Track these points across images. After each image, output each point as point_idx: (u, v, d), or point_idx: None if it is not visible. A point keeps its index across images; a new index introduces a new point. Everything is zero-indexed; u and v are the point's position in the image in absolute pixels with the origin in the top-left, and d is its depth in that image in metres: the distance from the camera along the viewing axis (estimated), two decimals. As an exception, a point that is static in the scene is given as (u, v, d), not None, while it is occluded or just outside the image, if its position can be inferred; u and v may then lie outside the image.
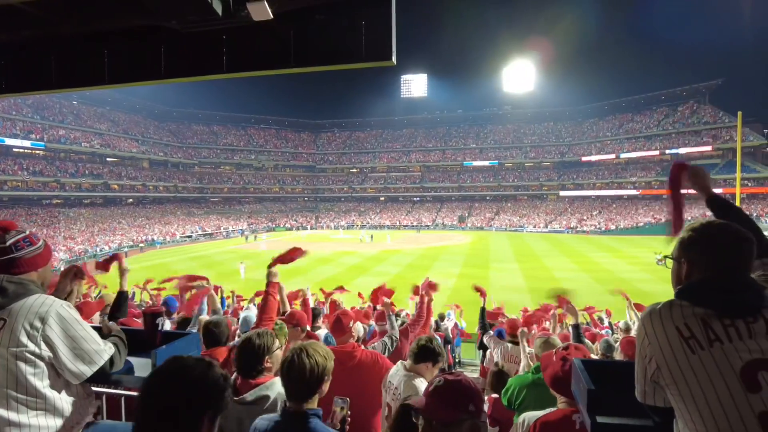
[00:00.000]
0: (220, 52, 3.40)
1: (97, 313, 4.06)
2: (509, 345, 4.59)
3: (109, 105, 67.52)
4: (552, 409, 2.04)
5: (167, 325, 3.40)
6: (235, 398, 2.05)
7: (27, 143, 50.11)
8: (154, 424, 1.16)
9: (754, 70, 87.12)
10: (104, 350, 1.69)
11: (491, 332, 5.20)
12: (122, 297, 3.13)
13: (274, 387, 2.09)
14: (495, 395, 3.44)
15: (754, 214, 47.45)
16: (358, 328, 4.27)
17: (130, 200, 61.16)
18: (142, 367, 1.99)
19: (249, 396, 2.06)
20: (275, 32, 3.21)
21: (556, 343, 2.94)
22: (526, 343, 4.01)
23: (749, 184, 51.97)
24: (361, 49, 3.13)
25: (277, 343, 2.26)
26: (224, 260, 33.62)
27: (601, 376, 1.56)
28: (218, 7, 2.72)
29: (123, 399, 2.59)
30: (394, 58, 3.14)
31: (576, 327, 3.78)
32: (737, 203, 37.61)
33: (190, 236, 52.80)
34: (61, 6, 3.21)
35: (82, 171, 54.79)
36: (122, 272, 3.09)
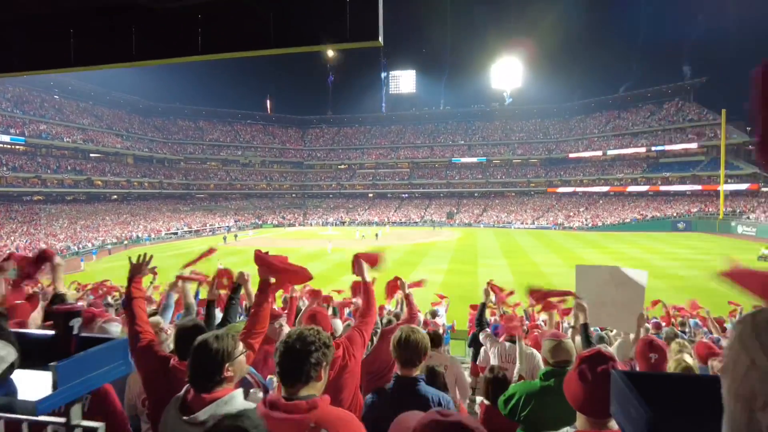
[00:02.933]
0: (195, 32, 3.17)
1: (35, 313, 3.55)
2: (507, 344, 4.29)
3: (92, 99, 66.20)
4: (572, 430, 1.72)
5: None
6: (185, 417, 1.69)
7: (6, 138, 48.84)
8: None
9: (738, 68, 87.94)
10: None
11: (488, 329, 4.85)
12: (56, 302, 2.55)
13: (234, 402, 1.73)
14: (487, 402, 3.16)
15: (738, 211, 48.16)
16: (336, 325, 4.10)
17: (114, 197, 60.13)
18: (40, 383, 1.48)
19: (202, 414, 1.67)
20: (254, 10, 3.01)
21: (569, 347, 2.63)
22: (522, 343, 3.75)
23: (732, 181, 52.67)
24: (346, 28, 2.93)
25: (240, 347, 1.90)
26: (210, 258, 33.06)
27: (654, 394, 1.13)
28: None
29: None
30: (380, 38, 2.95)
31: (585, 327, 3.14)
32: (721, 200, 37.87)
33: (175, 233, 52.05)
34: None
35: (64, 167, 53.67)
36: (54, 270, 2.70)
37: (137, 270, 2.74)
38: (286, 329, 3.38)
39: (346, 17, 2.88)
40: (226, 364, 1.80)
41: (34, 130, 51.95)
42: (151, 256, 2.88)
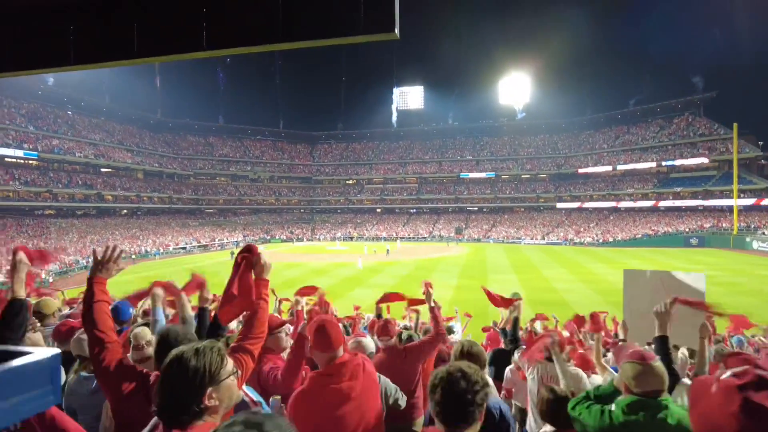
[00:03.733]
0: (199, 27, 3.00)
1: None
2: (548, 364, 3.69)
3: (104, 115, 67.09)
4: None
5: None
6: None
7: (20, 153, 49.49)
8: None
9: (749, 82, 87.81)
10: None
11: (523, 346, 4.12)
12: (12, 308, 2.09)
13: None
14: (551, 429, 2.67)
15: (752, 226, 47.34)
16: (367, 345, 3.52)
17: (124, 211, 60.50)
18: None
19: None
20: (260, 1, 2.83)
21: (661, 373, 2.04)
22: (562, 359, 3.36)
23: (745, 196, 51.88)
24: (360, 19, 2.73)
25: (229, 366, 1.44)
26: (218, 271, 32.99)
27: None
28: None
29: None
30: (396, 30, 2.75)
31: (663, 342, 2.65)
32: (734, 215, 37.08)
33: (184, 248, 52.09)
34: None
35: (75, 181, 54.16)
36: (14, 268, 2.22)
37: (100, 267, 2.15)
38: (289, 341, 3.13)
39: (360, 7, 2.69)
40: (208, 390, 1.33)
41: (46, 146, 52.60)
42: (121, 251, 2.30)
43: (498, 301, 4.40)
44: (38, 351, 1.11)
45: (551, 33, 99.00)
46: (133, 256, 44.20)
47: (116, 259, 2.22)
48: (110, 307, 2.12)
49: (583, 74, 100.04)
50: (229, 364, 1.44)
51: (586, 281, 26.86)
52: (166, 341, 2.01)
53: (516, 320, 4.33)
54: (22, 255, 2.28)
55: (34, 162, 52.04)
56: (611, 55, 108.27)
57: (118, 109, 68.05)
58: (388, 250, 45.19)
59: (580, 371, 3.50)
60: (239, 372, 1.51)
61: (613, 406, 2.10)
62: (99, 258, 2.16)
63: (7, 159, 49.05)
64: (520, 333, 4.68)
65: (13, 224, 44.07)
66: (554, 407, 2.62)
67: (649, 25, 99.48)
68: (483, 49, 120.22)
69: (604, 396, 2.30)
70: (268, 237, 65.64)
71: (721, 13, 79.47)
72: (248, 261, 2.16)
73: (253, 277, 2.14)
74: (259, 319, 2.04)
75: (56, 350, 1.15)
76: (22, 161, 50.80)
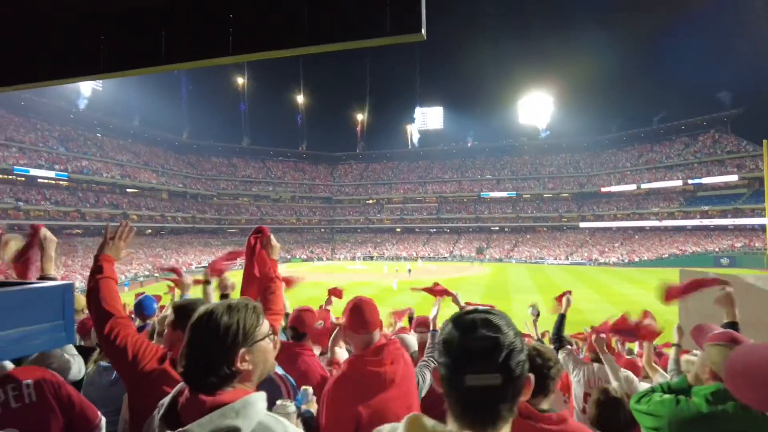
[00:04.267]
0: (226, 32, 3.02)
1: None
2: (595, 365, 3.46)
3: (131, 137, 69.18)
4: None
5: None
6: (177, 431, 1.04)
7: (51, 174, 51.35)
8: None
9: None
10: None
11: (569, 346, 3.82)
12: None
13: (251, 412, 1.08)
14: None
15: (786, 246, 45.68)
16: (411, 343, 3.26)
17: (149, 231, 61.66)
18: None
19: (197, 428, 1.03)
20: (285, 4, 2.83)
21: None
22: (612, 359, 3.16)
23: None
24: (386, 21, 2.71)
25: (265, 326, 1.26)
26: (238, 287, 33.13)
27: None
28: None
29: None
30: (423, 31, 2.72)
31: (734, 326, 2.37)
32: (767, 234, 35.57)
33: (205, 266, 52.61)
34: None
35: (102, 201, 55.67)
36: (40, 246, 2.14)
37: (110, 243, 1.94)
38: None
39: (386, 8, 2.66)
40: (241, 350, 1.16)
41: (76, 167, 54.34)
42: (133, 229, 2.04)
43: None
44: (49, 282, 1.00)
45: (572, 51, 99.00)
46: (156, 275, 44.81)
47: (127, 237, 2.00)
48: (135, 302, 2.05)
49: (605, 93, 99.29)
50: (265, 324, 1.27)
51: (613, 302, 26.16)
52: (184, 310, 1.81)
53: (562, 317, 3.94)
54: (45, 231, 2.17)
55: (65, 182, 53.70)
56: (634, 73, 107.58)
57: (144, 131, 70.18)
58: (410, 270, 44.86)
59: (630, 374, 3.25)
60: (275, 337, 1.32)
61: (693, 397, 1.80)
62: (109, 235, 1.95)
63: (39, 180, 50.82)
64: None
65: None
66: (609, 410, 2.39)
67: (672, 43, 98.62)
68: (503, 68, 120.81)
69: (677, 391, 1.97)
70: (289, 256, 65.95)
71: (748, 28, 78.35)
72: (261, 241, 2.16)
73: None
74: (278, 295, 2.00)
75: (69, 282, 1.03)
76: (53, 182, 52.51)
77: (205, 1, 3.09)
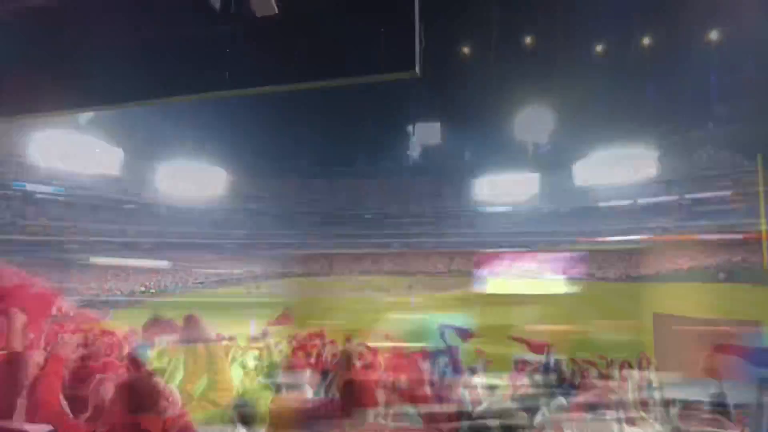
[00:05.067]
0: (222, 66, 3.06)
1: None
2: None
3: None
4: None
5: None
6: None
7: (49, 189, 51.14)
8: None
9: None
10: None
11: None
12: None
13: None
14: None
15: (782, 260, 45.72)
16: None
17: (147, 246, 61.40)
18: None
19: None
20: (278, 39, 2.88)
21: None
22: None
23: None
24: (379, 58, 2.76)
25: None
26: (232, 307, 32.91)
27: None
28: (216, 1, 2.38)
29: None
30: (417, 68, 2.77)
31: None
32: (764, 248, 35.58)
33: (202, 282, 52.59)
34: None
35: (100, 217, 55.51)
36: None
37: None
38: None
39: (380, 45, 2.72)
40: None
41: (75, 182, 54.22)
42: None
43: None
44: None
45: (571, 70, 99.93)
46: (152, 291, 44.61)
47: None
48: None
49: (599, 109, 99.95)
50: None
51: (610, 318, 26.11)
52: None
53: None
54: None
55: (62, 198, 53.45)
56: (628, 89, 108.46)
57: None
58: (410, 285, 44.92)
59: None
60: None
61: None
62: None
63: (37, 195, 50.70)
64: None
65: (40, 258, 45.09)
66: None
67: (666, 62, 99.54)
68: (502, 84, 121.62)
69: None
70: (286, 271, 65.72)
71: (740, 46, 79.44)
72: None
73: None
74: None
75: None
76: (51, 197, 52.21)
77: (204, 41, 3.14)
